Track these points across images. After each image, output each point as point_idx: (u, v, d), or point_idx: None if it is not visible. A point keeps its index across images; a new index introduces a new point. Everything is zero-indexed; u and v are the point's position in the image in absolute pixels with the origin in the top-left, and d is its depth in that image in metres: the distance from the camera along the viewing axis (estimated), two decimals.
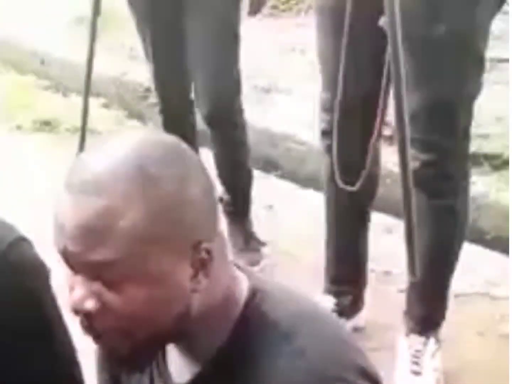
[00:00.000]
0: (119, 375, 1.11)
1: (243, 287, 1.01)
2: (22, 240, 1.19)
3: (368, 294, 2.22)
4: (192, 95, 2.52)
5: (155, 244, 0.92)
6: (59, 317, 1.23)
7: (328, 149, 2.05)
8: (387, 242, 2.60)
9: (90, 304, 0.94)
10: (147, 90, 3.55)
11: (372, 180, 2.08)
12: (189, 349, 1.01)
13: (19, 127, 3.43)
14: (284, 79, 3.37)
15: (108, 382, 1.15)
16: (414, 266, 1.76)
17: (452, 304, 2.10)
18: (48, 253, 1.24)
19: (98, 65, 3.57)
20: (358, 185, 1.96)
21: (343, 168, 2.00)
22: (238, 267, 1.03)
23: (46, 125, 3.42)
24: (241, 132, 2.48)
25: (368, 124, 1.90)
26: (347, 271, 2.15)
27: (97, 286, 0.94)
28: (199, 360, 1.00)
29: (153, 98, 3.63)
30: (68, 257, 0.94)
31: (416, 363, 2.00)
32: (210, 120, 2.42)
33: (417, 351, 2.01)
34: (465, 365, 2.07)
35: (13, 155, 3.20)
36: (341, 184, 2.00)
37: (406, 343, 2.04)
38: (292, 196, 2.96)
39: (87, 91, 2.35)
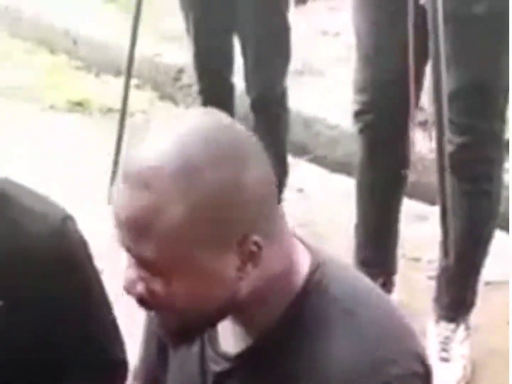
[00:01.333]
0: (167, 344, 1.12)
1: (306, 263, 1.00)
2: (68, 218, 1.24)
3: (398, 280, 2.21)
4: (233, 79, 2.52)
5: (198, 241, 0.92)
6: (101, 290, 1.30)
7: (361, 131, 2.04)
8: (417, 228, 2.58)
9: (139, 288, 0.96)
10: (180, 71, 3.56)
11: (405, 162, 2.07)
12: (244, 322, 1.01)
13: (51, 107, 3.45)
14: (316, 62, 3.35)
15: (155, 348, 1.16)
16: (448, 249, 1.75)
17: (481, 292, 2.09)
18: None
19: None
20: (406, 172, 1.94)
21: (377, 149, 2.00)
22: (301, 241, 1.02)
23: (78, 105, 3.44)
24: (287, 117, 2.49)
25: (404, 105, 1.89)
26: (377, 254, 2.14)
27: (145, 273, 0.95)
28: (253, 332, 1.00)
29: (186, 80, 3.64)
30: (119, 240, 0.96)
31: (445, 350, 1.99)
32: (260, 104, 2.42)
33: (446, 338, 2.01)
34: (493, 353, 2.06)
35: (46, 135, 3.23)
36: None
37: (435, 330, 2.03)
38: (323, 180, 2.95)
39: (128, 74, 2.36)
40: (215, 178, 0.91)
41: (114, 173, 2.43)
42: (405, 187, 2.14)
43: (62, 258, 1.23)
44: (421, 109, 2.42)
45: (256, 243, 0.94)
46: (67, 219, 1.25)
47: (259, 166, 0.95)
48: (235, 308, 0.98)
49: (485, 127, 1.90)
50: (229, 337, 1.04)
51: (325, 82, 3.29)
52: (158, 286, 0.94)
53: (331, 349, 0.96)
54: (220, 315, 0.99)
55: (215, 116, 0.97)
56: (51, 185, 1.73)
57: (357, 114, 2.06)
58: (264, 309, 0.99)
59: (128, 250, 0.95)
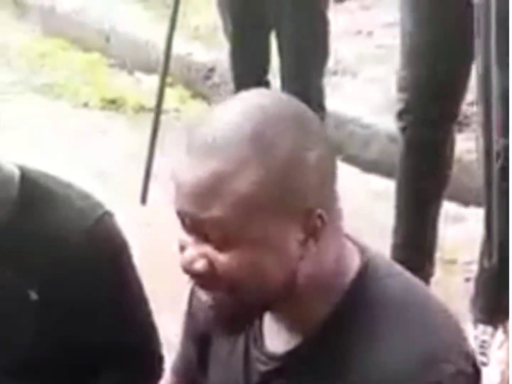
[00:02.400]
0: (209, 336, 1.11)
1: (355, 259, 1.00)
2: (107, 214, 1.24)
3: (434, 283, 2.19)
4: (268, 77, 2.52)
5: (265, 210, 0.93)
6: (139, 285, 1.30)
7: (403, 130, 2.02)
8: (453, 230, 2.55)
9: (199, 265, 0.96)
10: (211, 70, 3.55)
11: (447, 162, 2.05)
12: (292, 319, 1.01)
13: (85, 105, 3.46)
14: (350, 62, 3.33)
15: (194, 348, 1.15)
16: (492, 252, 1.72)
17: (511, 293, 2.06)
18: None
19: (163, 44, 3.59)
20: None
21: (418, 149, 1.97)
22: (350, 239, 1.02)
23: (112, 103, 3.45)
24: (324, 116, 2.48)
25: (447, 104, 1.87)
26: (415, 255, 2.12)
27: (207, 248, 0.95)
28: (302, 330, 1.00)
29: (217, 78, 3.64)
30: (183, 217, 0.96)
31: (483, 354, 1.97)
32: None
33: (484, 341, 1.98)
34: None
35: (80, 132, 3.24)
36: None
37: (473, 333, 2.00)
38: (355, 179, 2.93)
39: (165, 73, 2.36)
40: (287, 148, 0.93)
41: (148, 172, 2.43)
42: (445, 188, 2.11)
43: (100, 255, 1.23)
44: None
45: (320, 217, 0.94)
46: (106, 215, 1.25)
47: (324, 147, 0.96)
48: (291, 295, 0.97)
49: None
50: (276, 337, 1.03)
51: (358, 82, 3.27)
52: (220, 258, 0.94)
53: (385, 349, 0.95)
54: (277, 300, 0.98)
55: (279, 95, 1.01)
56: (84, 182, 1.73)
57: (400, 113, 2.04)
58: (316, 303, 0.99)
59: (193, 222, 0.95)
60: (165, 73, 2.40)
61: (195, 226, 0.95)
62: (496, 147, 1.81)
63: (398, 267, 1.04)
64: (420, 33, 1.90)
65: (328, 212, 0.95)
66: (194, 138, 0.95)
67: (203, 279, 0.97)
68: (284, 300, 0.98)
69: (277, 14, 2.36)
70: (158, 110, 2.43)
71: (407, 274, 1.03)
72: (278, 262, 0.95)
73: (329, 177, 0.97)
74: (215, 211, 0.93)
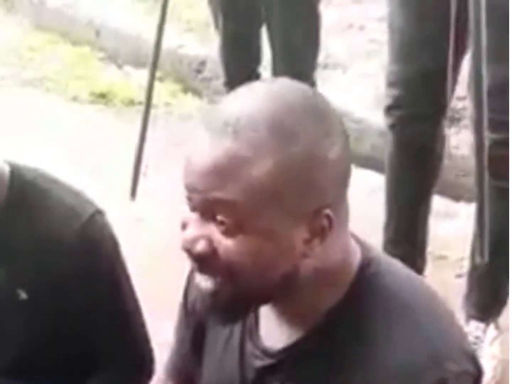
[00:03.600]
0: (204, 328, 1.10)
1: (357, 257, 0.99)
2: (98, 213, 1.23)
3: (425, 279, 2.18)
4: (260, 69, 2.50)
5: (276, 201, 0.91)
6: (129, 284, 1.30)
7: (392, 126, 2.01)
8: (443, 225, 2.55)
9: (201, 246, 0.94)
10: (202, 64, 3.53)
11: (437, 157, 2.03)
12: (290, 315, 0.99)
13: (74, 99, 3.44)
14: (341, 56, 3.32)
15: (189, 343, 1.13)
16: (484, 248, 1.71)
17: (510, 292, 2.05)
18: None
19: (152, 38, 3.56)
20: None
21: (408, 144, 1.96)
22: (353, 236, 1.01)
23: (101, 97, 3.42)
24: None
25: (437, 100, 1.86)
26: (406, 251, 2.11)
27: (211, 228, 0.93)
28: (301, 326, 0.98)
29: (208, 72, 3.62)
30: (191, 193, 0.94)
31: (475, 350, 1.96)
32: None
33: (476, 337, 1.98)
34: None
35: (69, 126, 3.21)
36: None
37: (465, 329, 1.99)
38: None
39: (154, 67, 2.34)
40: (306, 141, 0.91)
41: (137, 166, 2.41)
42: (435, 184, 2.10)
43: (89, 253, 1.22)
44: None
45: (328, 218, 0.93)
46: (96, 214, 1.24)
47: (342, 142, 0.94)
48: (291, 290, 0.96)
49: None
50: (272, 332, 1.01)
51: (349, 76, 3.25)
52: (223, 241, 0.93)
53: (392, 345, 0.94)
54: (275, 292, 0.96)
55: (303, 86, 0.97)
56: (72, 176, 1.72)
57: (389, 109, 2.02)
58: (317, 299, 0.97)
59: (202, 200, 0.92)
60: (154, 67, 2.38)
61: (203, 204, 0.93)
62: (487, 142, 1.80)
63: (401, 265, 1.03)
64: (409, 28, 1.88)
65: (337, 211, 0.94)
66: (215, 115, 0.93)
67: (203, 260, 0.94)
68: (284, 294, 0.96)
69: (268, 7, 2.34)
70: (148, 104, 2.41)
71: (410, 272, 1.03)
72: (281, 255, 0.93)
73: (344, 174, 0.95)
74: (228, 193, 0.91)
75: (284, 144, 0.91)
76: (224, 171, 0.91)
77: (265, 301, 0.99)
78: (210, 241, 0.93)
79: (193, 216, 0.94)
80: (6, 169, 1.23)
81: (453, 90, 1.91)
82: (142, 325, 1.31)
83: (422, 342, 0.94)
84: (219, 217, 0.92)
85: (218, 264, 0.93)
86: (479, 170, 1.71)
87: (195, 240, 0.94)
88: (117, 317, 1.26)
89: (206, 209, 0.93)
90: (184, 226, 0.95)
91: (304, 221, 0.92)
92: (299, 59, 2.38)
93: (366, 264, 0.98)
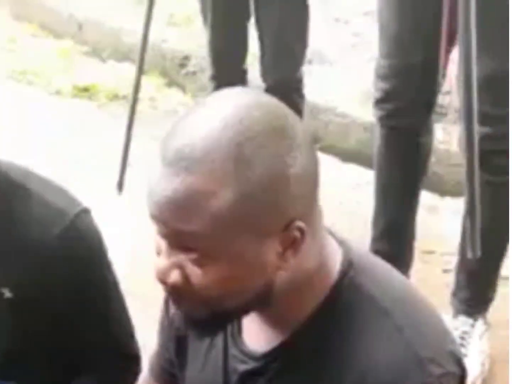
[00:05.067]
0: (186, 335, 1.09)
1: (338, 259, 0.98)
2: (84, 212, 1.20)
3: (412, 274, 2.17)
4: (247, 65, 2.49)
5: (243, 226, 0.89)
6: (115, 283, 1.28)
7: (381, 119, 2.00)
8: (430, 220, 2.54)
9: (173, 276, 0.92)
10: (186, 58, 3.51)
11: (425, 152, 2.02)
12: (273, 319, 0.99)
13: (58, 92, 3.41)
14: (327, 50, 3.31)
15: (173, 344, 1.12)
16: (475, 244, 1.70)
17: (500, 287, 2.05)
18: None
19: (136, 31, 3.52)
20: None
21: (397, 138, 1.95)
22: (334, 237, 1.00)
23: (85, 91, 3.39)
24: (303, 104, 2.46)
25: (427, 93, 1.85)
26: (394, 246, 2.09)
27: (181, 257, 0.92)
28: (284, 330, 0.97)
29: (192, 67, 3.59)
30: (157, 223, 0.92)
31: (463, 345, 1.95)
32: (277, 91, 2.38)
33: (464, 333, 1.97)
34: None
35: (52, 120, 3.18)
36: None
37: (453, 324, 1.99)
38: (333, 169, 2.90)
39: (141, 61, 2.32)
40: (265, 163, 0.89)
41: (124, 160, 2.39)
42: (423, 178, 2.09)
43: (75, 253, 1.20)
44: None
45: (300, 229, 0.91)
46: (82, 213, 1.22)
47: (307, 152, 0.92)
48: (269, 302, 0.95)
49: (506, 117, 1.85)
50: (255, 336, 1.01)
51: (334, 71, 3.24)
52: (195, 270, 0.91)
53: (374, 348, 0.92)
54: (252, 306, 0.96)
55: (259, 98, 0.93)
56: (55, 171, 1.70)
57: (378, 102, 2.01)
58: (298, 304, 0.96)
59: (169, 232, 0.91)
60: (142, 62, 2.35)
61: (170, 235, 0.92)
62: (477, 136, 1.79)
63: (384, 264, 1.02)
64: (398, 22, 1.87)
65: (308, 220, 0.92)
66: (170, 146, 0.90)
67: (177, 290, 0.93)
68: (262, 305, 0.96)
69: (258, 2, 2.32)
70: (134, 98, 2.39)
71: (393, 271, 1.01)
72: (254, 276, 0.92)
73: (310, 185, 0.93)
74: (193, 226, 0.89)
75: (243, 172, 0.88)
76: (185, 205, 0.89)
77: (243, 315, 0.98)
78: (182, 270, 0.92)
79: (165, 244, 0.93)
80: None
81: (441, 84, 1.90)
82: (128, 324, 1.29)
83: (403, 346, 0.92)
84: (186, 247, 0.91)
85: (191, 291, 0.93)
86: (469, 164, 1.70)
87: (167, 271, 0.93)
88: (103, 316, 1.24)
89: (174, 239, 0.92)
90: (158, 252, 0.94)
91: (275, 236, 0.91)
92: (289, 54, 2.36)
93: (347, 266, 0.97)
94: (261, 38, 2.36)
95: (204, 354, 1.06)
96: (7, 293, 1.18)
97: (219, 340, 1.04)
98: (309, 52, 3.33)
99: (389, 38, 1.93)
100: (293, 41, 2.35)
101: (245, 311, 0.97)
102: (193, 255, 0.91)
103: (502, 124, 1.85)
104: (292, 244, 0.91)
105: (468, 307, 1.99)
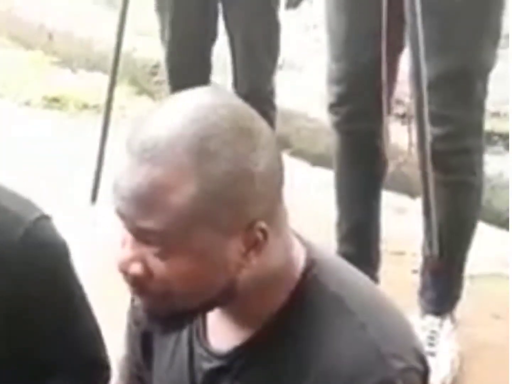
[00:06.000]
0: (152, 335, 1.09)
1: (301, 258, 0.99)
2: (44, 218, 1.19)
3: (381, 275, 2.19)
4: (218, 76, 2.50)
5: (205, 222, 0.90)
6: (81, 293, 1.25)
7: (337, 124, 2.01)
8: (398, 222, 2.57)
9: (135, 268, 0.93)
10: (156, 66, 3.51)
11: (382, 155, 2.03)
12: (237, 317, 0.99)
13: (27, 103, 3.40)
14: (296, 56, 3.33)
15: (139, 347, 1.13)
16: (433, 242, 1.73)
17: (467, 286, 2.07)
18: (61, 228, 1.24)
19: (106, 41, 3.52)
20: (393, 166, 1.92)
21: (354, 141, 1.97)
22: (297, 237, 1.01)
23: (55, 101, 3.39)
24: (274, 114, 2.47)
25: (379, 96, 1.87)
26: (359, 249, 2.10)
27: (144, 250, 0.93)
28: (248, 328, 0.99)
29: (162, 75, 3.60)
30: (120, 217, 0.93)
31: (432, 345, 1.97)
32: (248, 102, 2.39)
33: (433, 332, 1.99)
34: (481, 347, 2.04)
35: (22, 131, 3.17)
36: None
37: (421, 324, 2.01)
38: (304, 173, 2.93)
39: (114, 73, 2.32)
40: (229, 159, 0.90)
41: (98, 170, 2.39)
42: (383, 180, 2.11)
43: (37, 261, 1.17)
44: (399, 102, 2.39)
45: (262, 231, 0.92)
46: (42, 219, 1.19)
47: (272, 153, 0.93)
48: (232, 299, 0.96)
49: (465, 117, 1.87)
50: (220, 335, 1.01)
51: (304, 76, 3.26)
52: (158, 264, 0.92)
53: (337, 345, 0.94)
54: (215, 304, 0.97)
55: (227, 97, 0.95)
56: (27, 182, 1.70)
57: (332, 106, 2.02)
58: (262, 302, 0.97)
59: (131, 226, 0.92)
60: (115, 71, 2.36)
61: (133, 229, 0.93)
62: (428, 137, 1.81)
63: (344, 264, 1.04)
64: (345, 27, 1.88)
65: (272, 221, 0.93)
66: (135, 138, 0.91)
67: (138, 282, 0.94)
68: (225, 302, 0.97)
69: (227, 15, 2.33)
70: (108, 107, 2.39)
71: (354, 270, 1.03)
72: (216, 273, 0.93)
73: (274, 187, 0.94)
74: (154, 223, 0.90)
75: (206, 166, 0.89)
76: (147, 199, 0.90)
77: (205, 312, 0.99)
78: (144, 263, 0.93)
79: (129, 237, 0.94)
80: None
81: (392, 86, 1.90)
82: (96, 331, 1.28)
83: (366, 342, 0.94)
84: (148, 242, 0.92)
85: (153, 285, 0.93)
86: (423, 165, 1.72)
87: (129, 262, 0.93)
88: (68, 323, 1.23)
89: (136, 233, 0.92)
90: (122, 243, 0.95)
91: (238, 236, 0.91)
92: (260, 67, 2.38)
93: (310, 265, 0.98)
94: (232, 50, 2.37)
95: (170, 353, 1.06)
96: None
97: (184, 339, 1.04)
98: (279, 58, 3.37)
99: (337, 44, 1.93)
100: (264, 53, 2.36)
101: (208, 308, 0.97)
102: (156, 249, 0.92)
103: (456, 124, 1.86)
104: (254, 244, 0.92)
105: (434, 306, 2.01)
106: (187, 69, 2.43)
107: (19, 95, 3.44)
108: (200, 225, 0.90)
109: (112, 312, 1.70)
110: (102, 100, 3.32)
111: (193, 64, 2.42)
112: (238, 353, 0.99)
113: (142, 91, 3.50)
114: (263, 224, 0.92)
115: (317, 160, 2.98)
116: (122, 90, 3.43)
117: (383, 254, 2.22)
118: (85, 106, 3.32)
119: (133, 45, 3.59)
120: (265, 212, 0.92)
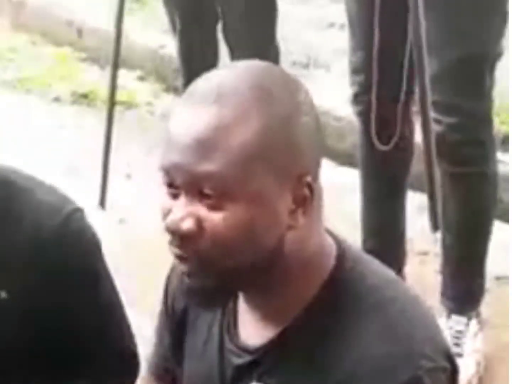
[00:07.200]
0: (184, 328, 1.10)
1: (333, 252, 1.00)
2: (79, 210, 1.21)
3: (407, 275, 2.19)
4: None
5: (263, 163, 0.93)
6: (111, 283, 1.28)
7: (361, 113, 2.01)
8: (422, 221, 2.56)
9: (187, 224, 0.94)
10: None
11: (406, 146, 2.01)
12: (268, 312, 1.00)
13: (56, 99, 3.43)
14: (322, 55, 3.33)
15: (170, 336, 1.14)
16: (437, 221, 1.72)
17: (493, 287, 2.06)
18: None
19: (135, 38, 3.54)
20: (391, 144, 1.92)
21: (378, 129, 1.96)
22: (328, 232, 1.02)
23: (84, 97, 3.42)
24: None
25: (400, 83, 1.86)
26: (384, 245, 2.08)
27: (197, 206, 0.93)
28: (277, 322, 0.99)
29: None
30: (173, 174, 0.94)
31: (457, 345, 1.96)
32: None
33: (459, 332, 1.98)
34: (506, 348, 2.03)
35: (51, 127, 3.20)
36: (376, 143, 1.95)
37: (447, 324, 2.00)
38: (330, 172, 2.92)
39: (115, 63, 2.35)
40: (287, 103, 0.95)
41: (104, 176, 2.39)
42: (409, 173, 2.08)
43: (71, 253, 1.21)
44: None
45: (309, 186, 0.94)
46: (76, 212, 1.23)
47: (314, 117, 0.97)
48: (268, 283, 0.96)
49: (474, 106, 1.85)
50: (250, 330, 1.02)
51: (330, 75, 3.26)
52: (212, 217, 0.92)
53: (365, 340, 0.95)
54: (258, 272, 0.96)
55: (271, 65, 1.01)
56: (54, 177, 1.71)
57: (356, 96, 2.01)
58: (293, 293, 0.98)
59: (186, 176, 0.93)
60: (116, 63, 2.38)
61: (188, 180, 0.93)
62: (438, 127, 1.81)
63: (375, 261, 1.04)
64: (363, 17, 1.87)
65: (315, 183, 0.96)
66: (196, 88, 0.95)
67: (187, 241, 0.93)
68: (263, 284, 0.97)
69: (224, 7, 2.36)
70: (111, 101, 2.41)
71: (385, 268, 1.03)
72: (269, 225, 0.94)
73: (318, 146, 0.98)
74: (214, 164, 0.92)
75: (268, 105, 0.93)
76: (208, 140, 0.92)
77: (246, 285, 0.98)
78: (197, 219, 0.93)
79: (177, 202, 0.94)
80: None
81: (412, 75, 1.90)
82: (125, 322, 1.30)
83: (395, 340, 0.94)
84: (206, 191, 0.92)
85: (202, 243, 0.93)
86: (427, 155, 1.71)
87: (181, 220, 0.93)
88: (99, 313, 1.25)
89: (192, 185, 0.93)
90: (166, 213, 0.95)
91: (288, 188, 0.94)
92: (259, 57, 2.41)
93: (341, 259, 0.99)
94: (231, 45, 2.40)
95: (200, 349, 1.07)
96: (3, 294, 1.19)
97: (215, 334, 1.05)
98: (305, 57, 3.37)
99: (360, 33, 1.93)
100: (262, 47, 2.38)
101: (250, 279, 0.96)
102: (210, 200, 0.92)
103: (465, 114, 1.83)
104: (302, 202, 0.94)
105: (457, 305, 1.98)
106: (199, 49, 2.46)
107: (47, 91, 3.47)
108: (259, 165, 0.92)
109: (139, 308, 1.72)
110: (129, 97, 3.36)
111: (205, 43, 2.45)
112: (268, 348, 0.99)
113: (169, 88, 3.52)
114: (310, 179, 0.94)
115: (343, 159, 2.98)
116: (149, 87, 3.45)
117: (408, 253, 2.21)
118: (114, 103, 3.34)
119: (160, 42, 3.61)
120: (312, 168, 0.96)
